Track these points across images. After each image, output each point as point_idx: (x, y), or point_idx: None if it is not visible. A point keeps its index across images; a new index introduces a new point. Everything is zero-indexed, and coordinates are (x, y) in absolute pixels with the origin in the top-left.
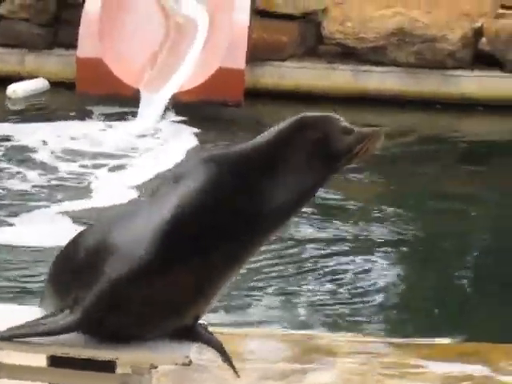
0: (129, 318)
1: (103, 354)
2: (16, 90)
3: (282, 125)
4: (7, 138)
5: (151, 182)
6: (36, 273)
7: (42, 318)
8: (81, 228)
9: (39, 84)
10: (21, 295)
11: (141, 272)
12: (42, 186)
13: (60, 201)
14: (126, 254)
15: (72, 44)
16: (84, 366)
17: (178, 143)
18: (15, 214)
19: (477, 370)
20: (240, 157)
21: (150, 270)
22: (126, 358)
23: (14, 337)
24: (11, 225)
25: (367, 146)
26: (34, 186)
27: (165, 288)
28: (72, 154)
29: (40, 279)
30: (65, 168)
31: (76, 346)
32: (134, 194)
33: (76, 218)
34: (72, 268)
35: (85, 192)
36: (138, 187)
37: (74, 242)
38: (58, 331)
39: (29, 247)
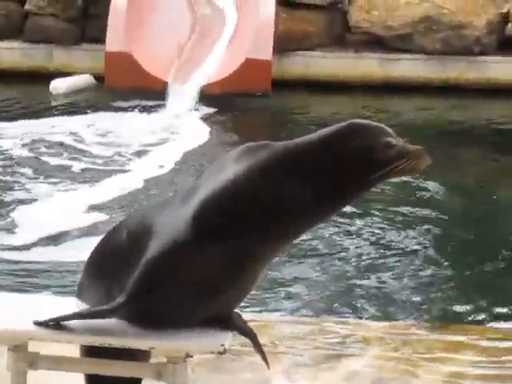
0: (168, 300)
1: (139, 343)
2: (57, 86)
3: (331, 128)
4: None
5: (175, 172)
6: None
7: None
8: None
9: (82, 80)
10: None
11: (177, 251)
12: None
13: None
14: (164, 234)
15: (100, 38)
16: (119, 355)
17: (205, 134)
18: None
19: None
20: (286, 150)
21: (185, 249)
22: (161, 347)
23: (60, 320)
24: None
25: (409, 164)
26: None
27: (201, 269)
28: (100, 147)
29: None
30: (90, 161)
31: (112, 336)
32: (162, 182)
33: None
34: (113, 255)
35: (111, 182)
36: (164, 177)
37: (114, 231)
38: (102, 314)
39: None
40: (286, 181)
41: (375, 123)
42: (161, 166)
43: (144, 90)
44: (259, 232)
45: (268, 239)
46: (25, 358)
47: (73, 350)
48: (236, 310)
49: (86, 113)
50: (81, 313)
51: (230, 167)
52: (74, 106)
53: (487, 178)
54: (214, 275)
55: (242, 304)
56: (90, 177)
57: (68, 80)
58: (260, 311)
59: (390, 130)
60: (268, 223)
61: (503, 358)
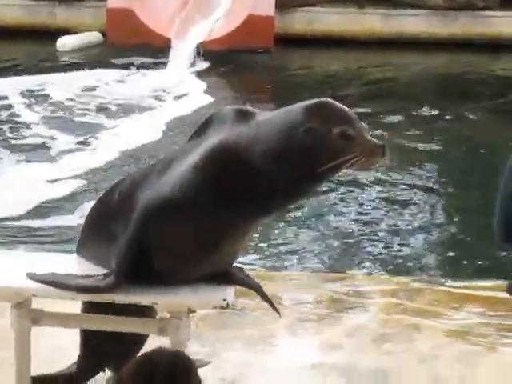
0: (161, 262)
1: (142, 299)
2: (64, 43)
3: (297, 105)
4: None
5: (174, 128)
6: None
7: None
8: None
9: (90, 37)
10: None
11: (166, 207)
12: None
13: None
14: (145, 201)
15: None
16: (122, 311)
17: (205, 92)
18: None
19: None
20: (257, 125)
21: (174, 205)
22: (164, 302)
23: (53, 285)
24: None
25: (362, 160)
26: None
27: (177, 234)
28: (99, 104)
29: None
30: (86, 119)
31: (116, 293)
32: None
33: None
34: (108, 214)
35: (112, 139)
36: (164, 134)
37: (111, 191)
38: (95, 291)
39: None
40: (251, 160)
41: (340, 107)
42: (155, 127)
43: (146, 46)
44: (231, 203)
45: (239, 211)
46: (28, 314)
47: (75, 307)
48: (238, 265)
49: (86, 70)
50: (74, 286)
51: (214, 131)
52: (76, 63)
53: (491, 132)
54: (201, 232)
55: (247, 259)
56: (84, 137)
57: (76, 37)
58: (263, 266)
59: (353, 117)
60: (236, 196)
61: (504, 313)
